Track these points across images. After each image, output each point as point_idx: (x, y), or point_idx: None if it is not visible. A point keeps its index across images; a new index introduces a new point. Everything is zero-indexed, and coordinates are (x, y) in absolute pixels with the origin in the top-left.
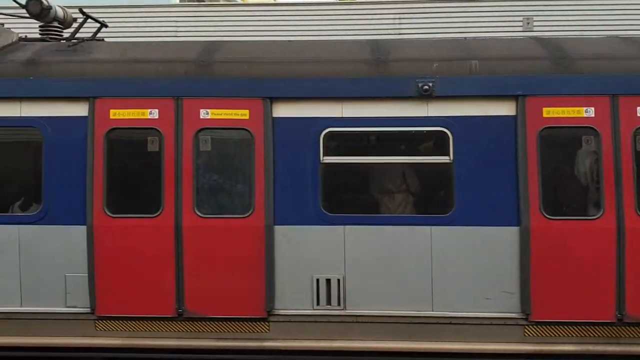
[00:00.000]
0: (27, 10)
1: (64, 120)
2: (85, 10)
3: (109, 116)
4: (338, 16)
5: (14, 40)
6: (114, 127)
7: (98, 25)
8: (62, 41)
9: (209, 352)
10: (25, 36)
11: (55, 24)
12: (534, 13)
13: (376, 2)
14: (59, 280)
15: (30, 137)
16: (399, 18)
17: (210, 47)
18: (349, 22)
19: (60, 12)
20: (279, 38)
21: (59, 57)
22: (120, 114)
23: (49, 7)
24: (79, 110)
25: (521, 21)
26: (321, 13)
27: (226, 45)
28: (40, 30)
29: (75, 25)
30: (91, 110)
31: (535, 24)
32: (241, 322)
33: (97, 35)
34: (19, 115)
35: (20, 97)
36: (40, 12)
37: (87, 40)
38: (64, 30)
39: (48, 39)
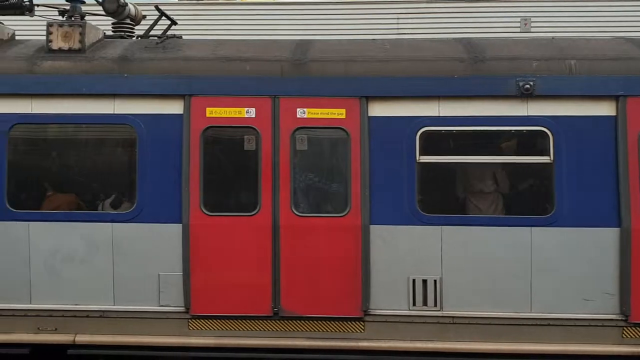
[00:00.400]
0: (103, 7)
1: (158, 117)
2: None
3: (205, 114)
4: (338, 15)
5: (100, 37)
6: (210, 125)
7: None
8: (140, 38)
9: (303, 352)
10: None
11: (127, 20)
12: (532, 14)
13: (376, 2)
14: (152, 279)
15: (124, 134)
16: (398, 18)
17: (302, 46)
18: (349, 21)
19: (132, 10)
20: (278, 37)
21: (151, 54)
22: (217, 112)
23: (125, 5)
24: (174, 108)
25: (519, 22)
26: (321, 12)
27: (315, 44)
28: (112, 27)
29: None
30: (187, 108)
31: (532, 24)
32: (336, 322)
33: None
34: (112, 112)
35: (114, 94)
36: (117, 9)
37: (164, 37)
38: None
39: (125, 36)
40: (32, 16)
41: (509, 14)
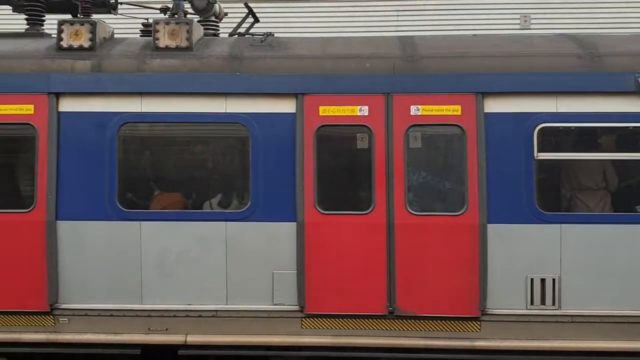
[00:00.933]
0: (192, 5)
1: (270, 116)
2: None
3: (318, 113)
4: (337, 13)
5: (202, 34)
6: (323, 124)
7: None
8: (229, 36)
9: (417, 351)
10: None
11: (212, 18)
12: (532, 11)
13: None
14: (266, 278)
15: (236, 133)
16: (397, 14)
17: (406, 42)
18: (347, 18)
19: (217, 7)
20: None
21: (262, 53)
22: (330, 110)
23: (214, 2)
24: (286, 106)
25: (519, 19)
26: (319, 10)
27: (418, 40)
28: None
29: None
30: (300, 107)
31: (532, 21)
32: (451, 322)
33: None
34: (224, 111)
35: (225, 93)
36: (206, 7)
37: (264, 35)
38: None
39: (217, 34)
40: (115, 14)
41: (509, 11)
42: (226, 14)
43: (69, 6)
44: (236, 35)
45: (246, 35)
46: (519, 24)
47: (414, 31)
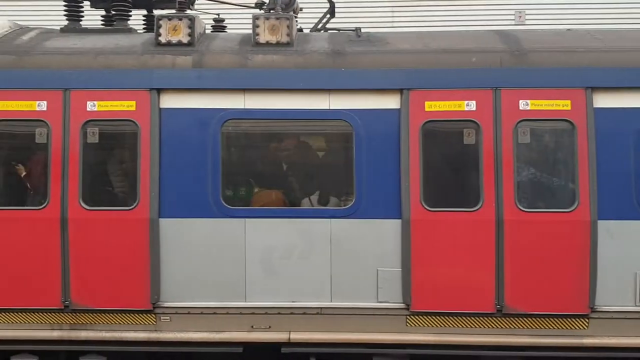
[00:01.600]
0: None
1: (374, 112)
2: None
3: (424, 108)
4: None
5: (297, 30)
6: (430, 119)
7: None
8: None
9: (523, 349)
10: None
11: (291, 12)
12: (526, 6)
13: None
14: (371, 275)
15: (339, 130)
16: (393, 10)
17: (506, 36)
18: (343, 13)
19: (296, 2)
20: None
21: (364, 48)
22: (436, 106)
23: None
24: (391, 102)
25: (513, 14)
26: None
27: (518, 34)
28: None
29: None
30: (405, 103)
31: (527, 17)
32: (559, 319)
33: None
34: (327, 107)
35: (329, 89)
36: (289, 2)
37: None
38: None
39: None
40: (193, 9)
41: (503, 7)
42: (301, 9)
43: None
44: (323, 31)
45: (328, 31)
46: (514, 19)
47: (409, 27)
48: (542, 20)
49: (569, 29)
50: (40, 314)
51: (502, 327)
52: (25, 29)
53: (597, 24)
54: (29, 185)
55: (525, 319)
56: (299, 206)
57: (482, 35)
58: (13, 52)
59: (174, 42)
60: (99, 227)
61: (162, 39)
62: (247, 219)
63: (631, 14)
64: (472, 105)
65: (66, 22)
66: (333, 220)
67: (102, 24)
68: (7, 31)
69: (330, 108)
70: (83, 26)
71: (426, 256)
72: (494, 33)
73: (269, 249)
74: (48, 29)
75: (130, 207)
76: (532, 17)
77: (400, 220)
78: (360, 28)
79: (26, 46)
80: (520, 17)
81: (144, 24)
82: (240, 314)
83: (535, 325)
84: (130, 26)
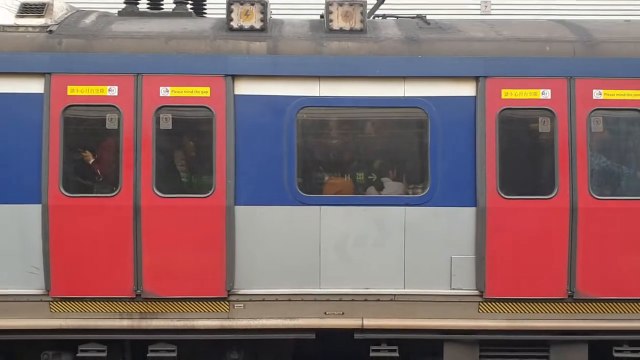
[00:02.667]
0: None
1: (450, 100)
2: None
3: (501, 96)
4: None
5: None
6: (506, 107)
7: None
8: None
9: (592, 333)
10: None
11: None
12: None
13: None
14: (445, 262)
15: (413, 117)
16: None
17: (574, 26)
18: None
19: None
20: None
21: (438, 35)
22: (513, 94)
23: None
24: (466, 89)
25: (479, 4)
26: None
27: (586, 24)
28: None
29: None
30: (481, 90)
31: (492, 7)
32: (629, 303)
33: None
34: (402, 95)
35: (404, 77)
36: None
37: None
38: None
39: None
40: None
41: None
42: None
43: None
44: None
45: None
46: (480, 9)
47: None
48: (506, 10)
49: (627, 20)
50: (110, 302)
51: (572, 312)
52: (83, 12)
53: (560, 16)
54: (98, 172)
55: (594, 304)
56: (372, 194)
57: (548, 25)
58: (81, 35)
59: (246, 27)
60: (173, 214)
61: (234, 24)
62: (322, 207)
63: (596, 4)
64: (547, 94)
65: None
66: (407, 208)
67: (148, 8)
68: (66, 14)
69: (406, 95)
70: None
71: (501, 244)
72: (558, 23)
73: (344, 236)
74: (104, 12)
75: (206, 195)
76: (497, 7)
77: (475, 208)
78: (421, 15)
79: (92, 30)
80: (486, 7)
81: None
82: (315, 300)
83: (605, 309)
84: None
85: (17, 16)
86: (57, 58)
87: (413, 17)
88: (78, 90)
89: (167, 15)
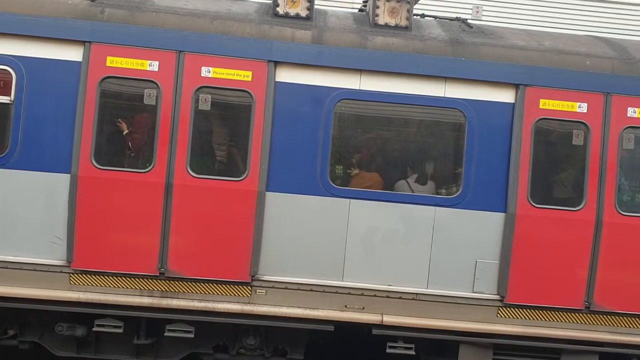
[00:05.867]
0: None
1: (489, 104)
2: None
3: (539, 105)
4: None
5: None
6: (543, 117)
7: None
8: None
9: (606, 345)
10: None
11: None
12: (483, 2)
13: None
14: (469, 265)
15: (451, 119)
16: (353, 2)
17: (612, 43)
18: None
19: None
20: None
21: (482, 40)
22: (550, 104)
23: None
24: (505, 96)
25: (471, 9)
26: None
27: (623, 42)
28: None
29: None
30: (520, 98)
31: (484, 13)
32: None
33: None
34: (442, 95)
35: (446, 77)
36: None
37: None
38: None
39: None
40: None
41: (461, 1)
42: None
43: None
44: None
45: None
46: (471, 14)
47: None
48: (498, 16)
49: None
50: (132, 279)
51: (586, 323)
52: None
53: (551, 23)
54: (131, 147)
55: (609, 316)
56: (403, 191)
57: (588, 40)
58: (124, 6)
59: (292, 14)
60: (204, 195)
61: (280, 10)
62: (352, 200)
63: (585, 14)
64: (583, 107)
65: None
66: (438, 208)
67: None
68: None
69: (446, 96)
70: None
71: (526, 251)
72: (596, 39)
73: (371, 231)
74: None
75: (239, 178)
76: (488, 12)
77: (504, 213)
78: (460, 18)
79: (135, 1)
80: (477, 12)
81: None
82: (337, 292)
83: (618, 323)
84: None
85: None
86: (98, 27)
87: (453, 20)
88: (117, 62)
89: None
